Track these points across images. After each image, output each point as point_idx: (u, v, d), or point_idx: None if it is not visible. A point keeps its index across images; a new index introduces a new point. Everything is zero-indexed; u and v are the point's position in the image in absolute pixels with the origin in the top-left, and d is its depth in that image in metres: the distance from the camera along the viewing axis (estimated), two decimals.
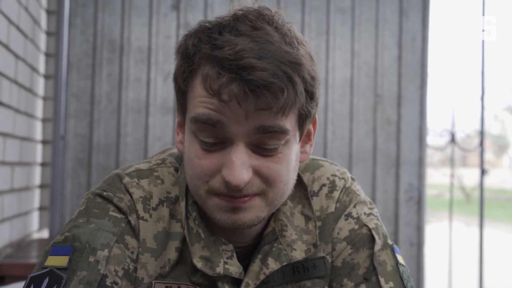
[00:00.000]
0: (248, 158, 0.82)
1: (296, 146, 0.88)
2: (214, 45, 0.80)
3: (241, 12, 0.85)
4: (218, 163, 0.83)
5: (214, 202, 0.86)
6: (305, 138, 0.94)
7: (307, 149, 0.95)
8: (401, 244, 3.01)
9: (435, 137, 3.41)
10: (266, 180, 0.85)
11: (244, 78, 0.76)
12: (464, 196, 15.31)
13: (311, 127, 0.95)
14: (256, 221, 0.87)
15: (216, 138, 0.82)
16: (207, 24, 0.85)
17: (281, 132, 0.82)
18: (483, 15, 3.08)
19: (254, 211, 0.86)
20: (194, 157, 0.85)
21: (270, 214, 0.91)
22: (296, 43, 0.84)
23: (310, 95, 0.84)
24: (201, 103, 0.82)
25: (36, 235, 2.88)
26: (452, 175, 3.59)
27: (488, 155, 21.87)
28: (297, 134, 0.88)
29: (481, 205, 3.23)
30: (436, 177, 16.27)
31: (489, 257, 4.77)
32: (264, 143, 0.83)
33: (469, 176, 13.70)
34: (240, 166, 0.81)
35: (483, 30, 3.06)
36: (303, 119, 0.87)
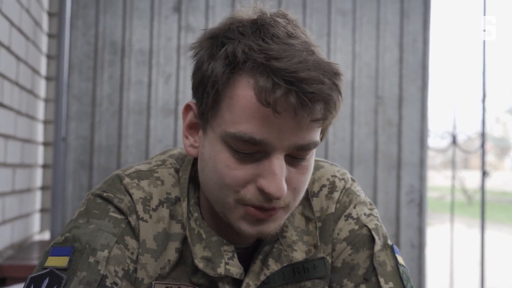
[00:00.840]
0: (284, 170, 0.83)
1: (314, 153, 0.91)
2: (269, 56, 0.78)
3: (265, 15, 0.85)
4: (253, 173, 0.83)
5: (241, 212, 0.85)
6: None
7: None
8: (402, 246, 3.01)
9: (436, 138, 3.40)
10: (293, 191, 0.86)
11: (305, 90, 0.76)
12: (466, 199, 15.30)
13: None
14: (278, 229, 0.90)
15: (253, 150, 0.82)
16: (245, 29, 0.83)
17: (314, 147, 0.85)
18: (484, 15, 3.08)
19: (277, 221, 0.88)
20: (224, 167, 0.83)
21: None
22: (319, 51, 0.85)
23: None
24: (245, 119, 0.80)
25: (37, 237, 2.89)
26: (453, 177, 3.59)
27: (490, 158, 21.86)
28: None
29: (483, 206, 3.23)
30: (438, 180, 16.25)
31: (491, 259, 4.76)
32: (297, 154, 0.84)
33: (471, 179, 13.68)
34: (282, 177, 0.82)
35: (484, 30, 3.06)
36: (327, 127, 0.89)
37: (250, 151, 0.82)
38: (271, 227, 0.87)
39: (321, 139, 0.91)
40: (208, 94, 0.84)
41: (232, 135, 0.81)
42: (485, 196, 3.25)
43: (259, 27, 0.83)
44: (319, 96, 0.78)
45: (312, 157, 0.88)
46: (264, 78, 0.78)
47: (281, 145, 0.81)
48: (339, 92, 0.81)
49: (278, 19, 0.85)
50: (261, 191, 0.82)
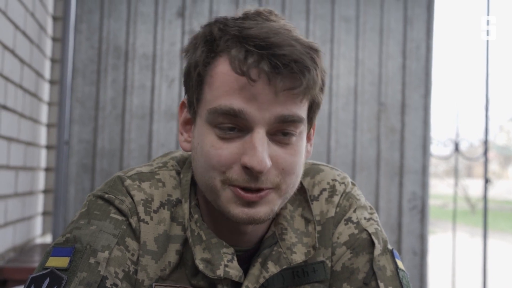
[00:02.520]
0: (267, 146, 0.84)
1: (305, 139, 0.91)
2: (242, 27, 0.82)
3: (252, 11, 0.89)
4: (237, 152, 0.84)
5: (229, 194, 0.86)
6: (306, 138, 0.96)
7: (308, 148, 0.97)
8: (404, 253, 3.01)
9: (439, 146, 3.40)
10: (282, 172, 0.86)
11: (276, 53, 0.79)
12: (469, 207, 15.26)
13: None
14: (270, 215, 0.88)
15: (235, 125, 0.84)
16: (227, 17, 0.88)
17: (299, 121, 0.85)
18: (488, 14, 3.09)
19: (269, 204, 0.87)
20: (209, 148, 0.85)
21: (281, 207, 0.92)
22: (297, 33, 0.88)
23: (322, 85, 0.88)
24: (224, 92, 0.83)
25: (39, 240, 2.89)
26: (456, 184, 3.58)
27: (494, 166, 21.80)
28: (307, 126, 0.90)
29: (485, 213, 3.22)
30: (441, 188, 16.24)
31: (493, 268, 4.74)
32: (281, 130, 0.85)
33: (474, 187, 13.65)
34: (263, 151, 0.82)
35: (487, 30, 3.07)
36: (314, 109, 0.90)
37: (232, 125, 0.83)
38: (263, 211, 0.86)
39: (311, 123, 0.92)
40: (192, 79, 0.88)
41: (213, 110, 0.84)
42: (487, 204, 3.24)
43: (241, 15, 0.87)
44: (290, 57, 0.79)
45: (301, 139, 0.88)
46: (238, 48, 0.81)
47: (261, 117, 0.82)
48: (315, 63, 0.83)
49: (262, 12, 0.88)
50: (245, 168, 0.83)
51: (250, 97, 0.81)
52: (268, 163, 0.82)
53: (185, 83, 0.91)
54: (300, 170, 0.90)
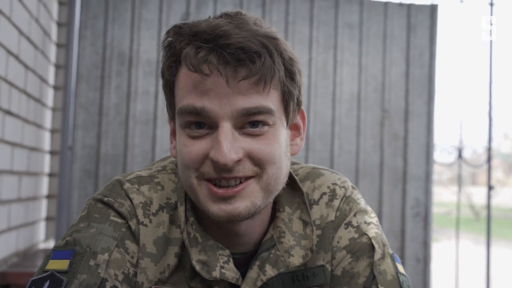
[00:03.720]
0: (236, 140, 0.84)
1: (284, 131, 0.90)
2: (192, 26, 0.84)
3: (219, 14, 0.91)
4: (206, 148, 0.85)
5: (204, 191, 0.86)
6: (295, 132, 0.97)
7: (298, 142, 0.97)
8: (408, 260, 3.00)
9: (442, 153, 3.39)
10: (259, 162, 0.86)
11: (222, 44, 0.80)
12: (473, 215, 15.21)
13: (299, 120, 0.97)
14: (252, 210, 0.87)
15: (202, 124, 0.85)
16: (183, 22, 0.89)
17: (266, 112, 0.84)
18: (491, 14, 3.10)
19: (249, 198, 0.87)
20: (182, 147, 0.87)
21: (266, 204, 0.90)
22: (273, 32, 0.87)
23: (290, 74, 0.87)
24: (185, 93, 0.85)
25: (42, 245, 2.89)
26: (459, 191, 3.57)
27: (498, 174, 21.73)
28: (283, 118, 0.89)
29: (488, 221, 3.21)
30: (445, 195, 16.20)
31: (497, 276, 4.72)
32: (249, 121, 0.85)
33: (479, 195, 13.62)
34: (227, 145, 0.82)
35: (490, 30, 3.08)
36: (287, 100, 0.89)
37: (199, 124, 0.85)
38: (242, 206, 0.86)
39: (287, 116, 0.90)
40: (165, 90, 0.91)
41: (179, 112, 0.86)
42: (491, 212, 3.22)
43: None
44: (236, 46, 0.80)
45: (276, 130, 0.87)
46: (190, 46, 0.83)
47: (223, 112, 0.83)
48: (267, 48, 0.82)
49: (229, 12, 0.89)
50: (213, 162, 0.84)
51: (206, 92, 0.83)
52: (234, 156, 0.83)
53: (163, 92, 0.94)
54: (281, 161, 0.89)
